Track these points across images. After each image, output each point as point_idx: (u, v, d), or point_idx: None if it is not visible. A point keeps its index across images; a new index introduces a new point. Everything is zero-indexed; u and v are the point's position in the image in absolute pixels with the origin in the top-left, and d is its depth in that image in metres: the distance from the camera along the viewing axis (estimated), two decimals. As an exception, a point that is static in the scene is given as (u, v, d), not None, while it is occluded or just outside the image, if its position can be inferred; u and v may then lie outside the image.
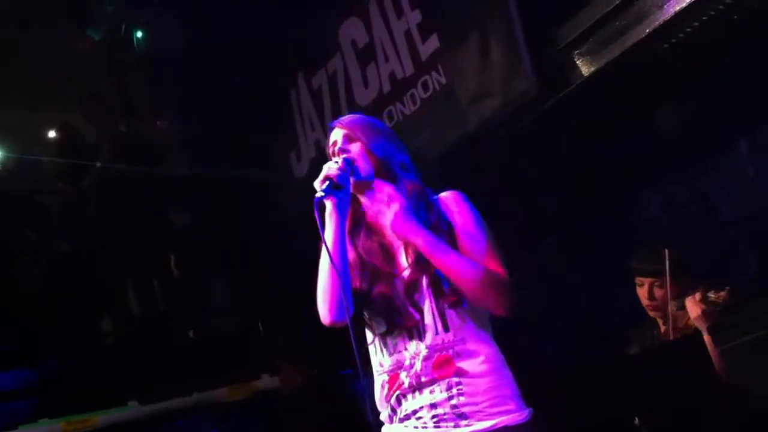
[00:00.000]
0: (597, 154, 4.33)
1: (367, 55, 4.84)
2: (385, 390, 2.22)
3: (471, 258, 2.17)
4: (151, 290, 6.07)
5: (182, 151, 6.61)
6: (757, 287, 3.70)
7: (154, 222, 6.07)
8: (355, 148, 2.28)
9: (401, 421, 2.20)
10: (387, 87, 4.71)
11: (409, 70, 4.54)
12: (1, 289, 5.59)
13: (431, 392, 2.15)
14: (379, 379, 2.24)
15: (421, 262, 2.18)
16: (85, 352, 5.55)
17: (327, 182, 2.17)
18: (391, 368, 2.20)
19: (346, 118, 2.41)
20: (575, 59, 3.82)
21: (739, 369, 2.95)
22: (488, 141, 4.32)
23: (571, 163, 4.45)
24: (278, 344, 5.68)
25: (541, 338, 4.49)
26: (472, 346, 2.16)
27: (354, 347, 2.08)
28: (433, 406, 2.14)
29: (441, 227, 2.22)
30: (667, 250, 3.39)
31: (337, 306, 2.15)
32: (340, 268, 2.15)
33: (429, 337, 2.16)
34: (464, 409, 2.12)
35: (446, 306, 2.17)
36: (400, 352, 2.19)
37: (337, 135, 2.34)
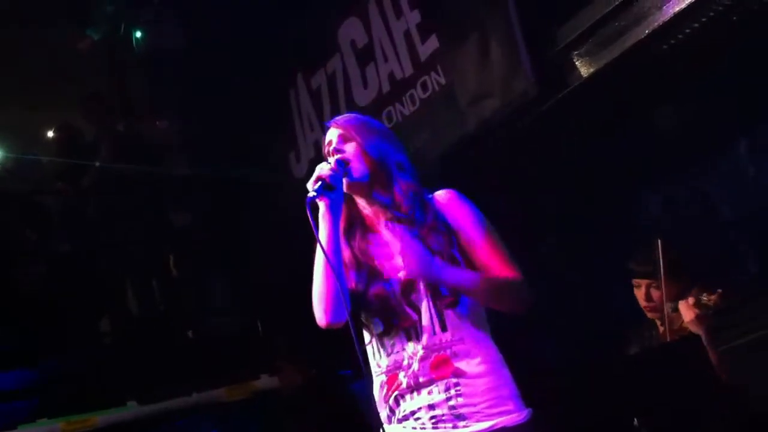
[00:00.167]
0: (597, 154, 4.33)
1: (366, 56, 4.84)
2: (384, 390, 2.22)
3: (483, 266, 2.18)
4: (150, 290, 6.07)
5: (182, 151, 6.60)
6: (757, 287, 3.70)
7: (154, 222, 6.07)
8: (350, 148, 2.27)
9: (399, 421, 2.20)
10: (386, 87, 4.70)
11: (409, 70, 4.54)
12: (1, 289, 5.59)
13: (429, 393, 2.14)
14: (378, 379, 2.24)
15: None
16: (85, 352, 5.55)
17: (319, 183, 2.16)
18: (389, 369, 2.20)
19: (341, 117, 2.39)
20: (575, 60, 3.82)
21: (738, 369, 2.95)
22: (488, 141, 4.32)
23: (571, 164, 4.45)
24: (278, 344, 5.67)
25: (541, 338, 4.48)
26: (470, 346, 2.15)
27: (356, 346, 2.08)
28: (431, 407, 2.14)
29: (438, 228, 2.21)
30: (660, 252, 3.39)
31: (332, 307, 2.15)
32: (336, 268, 2.15)
33: (426, 337, 2.15)
34: (462, 410, 2.12)
35: (444, 306, 2.16)
36: (398, 352, 2.19)
37: (332, 135, 2.33)
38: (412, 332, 2.17)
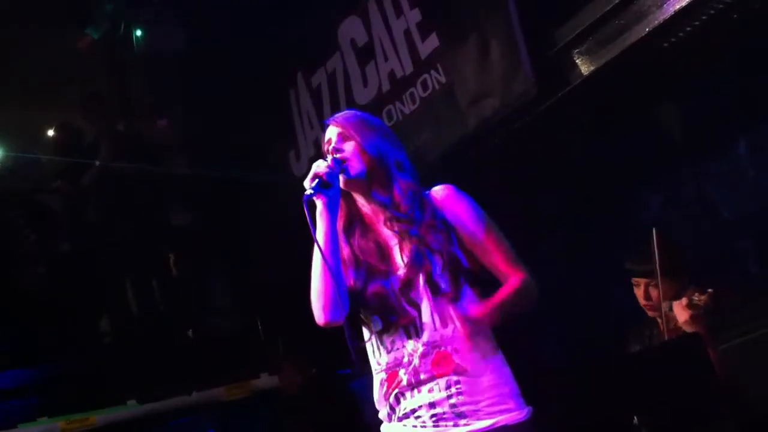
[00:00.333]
0: (597, 153, 4.33)
1: (366, 54, 4.83)
2: (384, 388, 2.21)
3: (489, 264, 2.20)
4: (150, 290, 6.08)
5: (182, 150, 6.60)
6: (757, 287, 3.70)
7: (154, 222, 6.07)
8: (349, 147, 2.27)
9: (400, 419, 2.19)
10: (386, 86, 4.70)
11: (409, 68, 4.53)
12: (1, 288, 5.59)
13: (430, 391, 2.14)
14: (378, 377, 2.24)
15: (417, 261, 2.17)
16: (85, 352, 5.56)
17: (316, 180, 2.17)
18: (388, 366, 2.20)
19: (340, 115, 2.38)
20: (575, 58, 3.82)
21: (737, 368, 2.94)
22: (488, 141, 4.32)
23: (571, 163, 4.45)
24: (278, 344, 5.68)
25: (541, 337, 4.48)
26: (471, 343, 2.15)
27: (350, 347, 2.08)
28: (432, 405, 2.14)
29: (437, 226, 2.21)
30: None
31: (330, 305, 2.14)
32: (333, 266, 2.15)
33: (427, 333, 2.15)
34: (463, 408, 2.12)
35: (444, 302, 2.16)
36: (398, 349, 2.18)
37: (331, 133, 2.32)
38: (412, 329, 2.17)
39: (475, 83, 4.15)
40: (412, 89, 4.52)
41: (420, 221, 2.21)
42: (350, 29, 4.95)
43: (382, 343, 2.21)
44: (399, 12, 4.56)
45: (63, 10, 6.21)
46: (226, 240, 6.34)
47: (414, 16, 4.46)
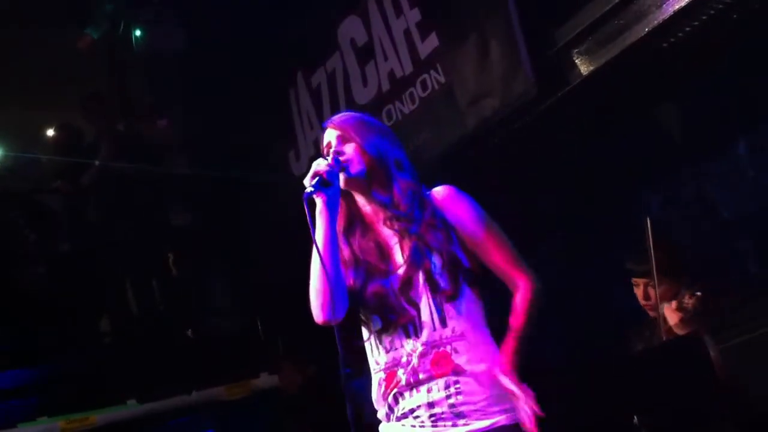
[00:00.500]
0: (596, 153, 4.33)
1: (366, 54, 4.83)
2: (383, 388, 2.21)
3: (494, 267, 2.20)
4: (150, 290, 6.07)
5: (182, 150, 6.60)
6: (757, 287, 3.70)
7: (154, 222, 6.07)
8: (350, 149, 2.27)
9: (398, 419, 2.19)
10: (386, 86, 4.70)
11: (408, 68, 4.53)
12: (1, 288, 5.59)
13: (429, 391, 2.14)
14: (376, 377, 2.24)
15: (416, 259, 2.17)
16: (84, 351, 5.56)
17: (316, 179, 2.17)
18: (387, 366, 2.20)
19: (338, 117, 2.38)
20: (574, 58, 3.82)
21: (738, 368, 2.94)
22: (488, 141, 4.32)
23: (571, 163, 4.45)
24: (278, 344, 5.68)
25: (541, 337, 4.47)
26: (470, 343, 2.15)
27: (339, 348, 2.08)
28: (430, 405, 2.13)
29: (437, 225, 2.21)
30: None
31: (329, 304, 2.14)
32: (332, 265, 2.15)
33: (426, 333, 2.15)
34: (462, 408, 2.11)
35: (443, 300, 2.16)
36: (396, 349, 2.18)
37: (330, 136, 2.32)
38: (411, 328, 2.17)
39: (475, 83, 4.15)
40: (412, 89, 4.52)
41: (419, 220, 2.21)
42: (350, 29, 4.95)
43: (381, 343, 2.21)
44: (399, 12, 4.56)
45: (63, 10, 6.22)
46: (226, 240, 6.34)
47: (414, 15, 4.46)
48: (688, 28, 3.49)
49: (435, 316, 2.15)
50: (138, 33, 6.13)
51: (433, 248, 2.17)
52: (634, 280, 3.61)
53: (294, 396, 5.12)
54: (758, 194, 3.90)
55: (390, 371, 2.19)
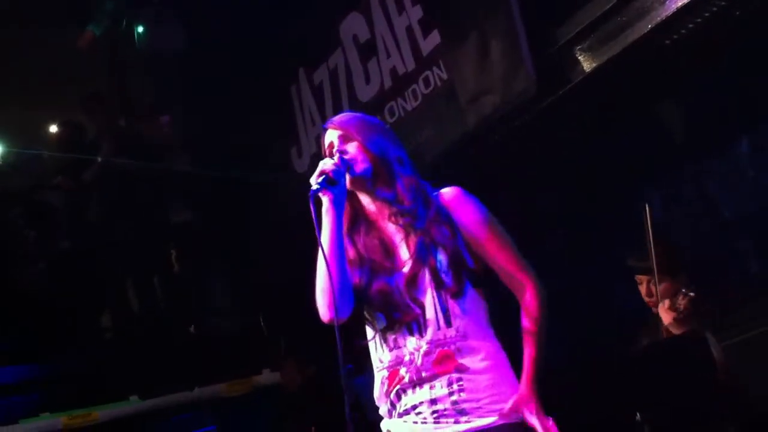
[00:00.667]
0: (598, 151, 4.33)
1: (368, 51, 4.83)
2: (385, 386, 2.21)
3: (498, 268, 2.21)
4: (152, 287, 6.07)
5: (183, 148, 6.60)
6: (757, 287, 3.70)
7: (155, 220, 6.07)
8: (352, 147, 2.27)
9: (400, 416, 2.20)
10: (388, 82, 4.70)
11: (411, 65, 4.53)
12: (2, 287, 5.60)
13: (432, 388, 2.14)
14: (379, 375, 2.24)
15: (422, 255, 2.18)
16: (87, 348, 5.57)
17: (322, 177, 2.17)
18: (391, 364, 2.20)
19: (338, 118, 2.40)
20: (577, 55, 3.81)
21: (737, 367, 2.95)
22: (489, 138, 4.31)
23: (572, 161, 4.45)
24: (280, 342, 5.68)
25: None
26: (473, 342, 2.16)
27: (338, 347, 2.08)
28: (433, 401, 2.14)
29: (441, 220, 2.22)
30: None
31: (335, 303, 2.14)
32: (338, 264, 2.15)
33: (430, 332, 2.15)
34: (464, 405, 2.12)
35: (448, 297, 2.16)
36: (400, 347, 2.18)
37: (332, 136, 2.33)
38: (415, 327, 2.17)
39: (476, 80, 4.14)
40: (414, 86, 4.52)
41: (424, 216, 2.22)
42: (352, 26, 4.95)
43: (385, 341, 2.21)
44: (401, 8, 4.55)
45: (63, 10, 6.21)
46: (227, 239, 6.34)
47: (416, 12, 4.46)
48: (690, 26, 3.48)
49: (440, 314, 2.16)
50: (140, 30, 6.12)
51: (438, 244, 2.18)
52: (638, 277, 3.62)
53: (295, 394, 5.12)
54: (758, 194, 3.89)
55: (393, 369, 2.19)
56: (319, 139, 5.43)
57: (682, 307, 3.21)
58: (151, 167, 5.84)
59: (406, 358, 2.17)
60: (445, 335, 2.15)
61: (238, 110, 5.85)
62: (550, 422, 2.08)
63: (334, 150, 2.28)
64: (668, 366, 3.05)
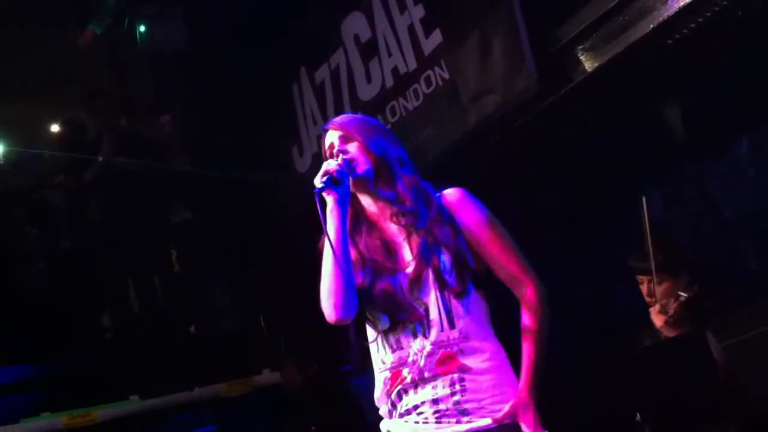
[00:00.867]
0: (599, 150, 4.32)
1: (369, 50, 4.83)
2: (387, 386, 2.21)
3: (501, 270, 2.21)
4: (152, 287, 6.07)
5: (183, 148, 6.59)
6: (757, 287, 3.70)
7: (155, 220, 6.06)
8: (353, 148, 2.28)
9: (401, 416, 2.19)
10: (390, 82, 4.70)
11: (412, 64, 4.52)
12: (3, 287, 5.60)
13: (434, 388, 2.14)
14: (381, 376, 2.23)
15: (425, 255, 2.18)
16: (87, 348, 5.57)
17: (326, 177, 2.17)
18: (393, 365, 2.20)
19: (338, 119, 2.40)
20: (579, 55, 3.81)
21: (737, 367, 2.94)
22: (490, 137, 4.31)
23: (574, 160, 4.44)
24: (280, 342, 5.68)
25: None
26: (475, 342, 2.16)
27: (353, 345, 2.08)
28: (435, 401, 2.14)
29: (443, 220, 2.22)
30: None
31: (342, 303, 2.14)
32: (344, 264, 2.15)
33: (434, 333, 2.15)
34: (466, 406, 2.12)
35: (452, 297, 2.16)
36: (402, 348, 2.18)
37: (332, 137, 2.33)
38: (418, 327, 2.17)
39: (477, 80, 4.14)
40: (416, 85, 4.51)
41: (425, 215, 2.22)
42: (353, 25, 4.95)
43: (387, 342, 2.21)
44: (403, 8, 4.55)
45: (63, 9, 6.21)
46: (227, 239, 6.33)
47: (417, 11, 4.46)
48: (692, 25, 3.48)
49: (443, 315, 2.15)
50: (142, 28, 6.12)
51: (441, 244, 2.18)
52: (639, 277, 3.61)
53: (295, 394, 5.12)
54: (759, 194, 3.89)
55: (395, 370, 2.19)
56: (320, 138, 5.45)
57: (672, 311, 3.21)
58: (151, 167, 5.84)
59: (410, 359, 2.17)
60: (448, 336, 2.15)
61: (238, 110, 5.85)
62: None
63: (335, 151, 2.28)
64: (668, 366, 3.05)
